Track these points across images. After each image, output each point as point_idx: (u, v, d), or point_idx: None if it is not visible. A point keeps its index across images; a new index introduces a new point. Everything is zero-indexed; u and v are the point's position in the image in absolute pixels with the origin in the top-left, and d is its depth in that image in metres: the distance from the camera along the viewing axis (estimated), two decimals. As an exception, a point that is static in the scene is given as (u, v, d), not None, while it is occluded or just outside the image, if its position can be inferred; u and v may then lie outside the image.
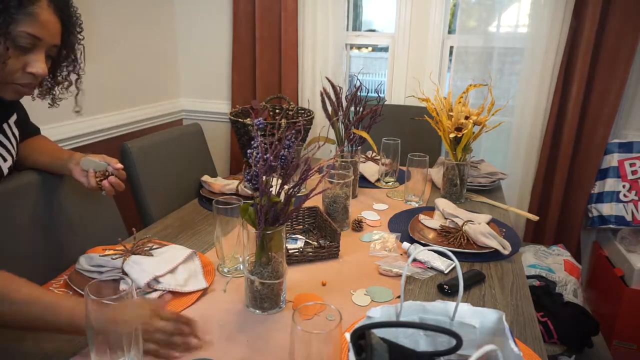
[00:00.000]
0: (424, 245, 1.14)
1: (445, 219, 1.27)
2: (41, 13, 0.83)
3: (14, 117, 1.04)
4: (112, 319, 0.66)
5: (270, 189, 0.81)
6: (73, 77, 1.02)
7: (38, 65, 0.86)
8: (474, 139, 1.43)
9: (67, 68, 0.98)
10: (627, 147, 2.06)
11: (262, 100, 1.94)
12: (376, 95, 1.63)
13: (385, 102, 1.80)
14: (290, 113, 1.84)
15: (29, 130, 1.13)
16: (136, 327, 0.68)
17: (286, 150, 0.79)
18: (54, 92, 1.01)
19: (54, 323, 0.72)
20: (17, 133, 1.04)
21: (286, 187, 0.83)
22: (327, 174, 1.18)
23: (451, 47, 2.30)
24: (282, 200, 0.82)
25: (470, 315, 0.65)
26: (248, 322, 0.84)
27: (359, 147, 1.51)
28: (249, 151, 0.79)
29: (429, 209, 1.39)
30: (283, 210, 0.83)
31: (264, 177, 0.80)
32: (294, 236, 1.19)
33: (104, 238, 1.14)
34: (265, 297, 0.86)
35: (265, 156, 0.78)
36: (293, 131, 0.80)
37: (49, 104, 1.02)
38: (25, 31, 0.82)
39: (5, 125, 1.00)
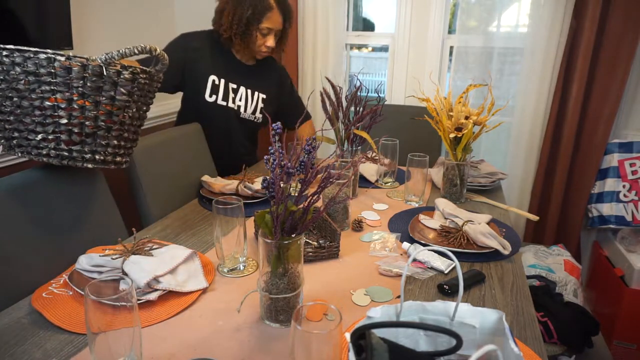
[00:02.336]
0: (424, 245, 1.14)
1: (445, 219, 1.27)
2: (274, 17, 1.60)
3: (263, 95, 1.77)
4: None
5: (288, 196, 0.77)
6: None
7: (270, 42, 1.62)
8: (474, 139, 1.43)
9: (283, 41, 1.70)
10: (627, 147, 2.06)
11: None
12: (376, 95, 1.63)
13: (385, 102, 1.80)
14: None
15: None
16: None
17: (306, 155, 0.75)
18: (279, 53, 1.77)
19: None
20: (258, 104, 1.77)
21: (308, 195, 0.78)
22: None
23: (451, 47, 2.30)
24: (301, 209, 0.78)
25: (470, 315, 0.65)
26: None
27: (359, 147, 1.51)
28: (265, 157, 0.76)
29: (429, 209, 1.39)
30: (301, 219, 0.78)
31: (281, 184, 0.76)
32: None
33: (104, 238, 1.14)
34: (280, 310, 0.82)
35: (282, 162, 0.74)
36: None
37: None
38: (266, 27, 1.59)
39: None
